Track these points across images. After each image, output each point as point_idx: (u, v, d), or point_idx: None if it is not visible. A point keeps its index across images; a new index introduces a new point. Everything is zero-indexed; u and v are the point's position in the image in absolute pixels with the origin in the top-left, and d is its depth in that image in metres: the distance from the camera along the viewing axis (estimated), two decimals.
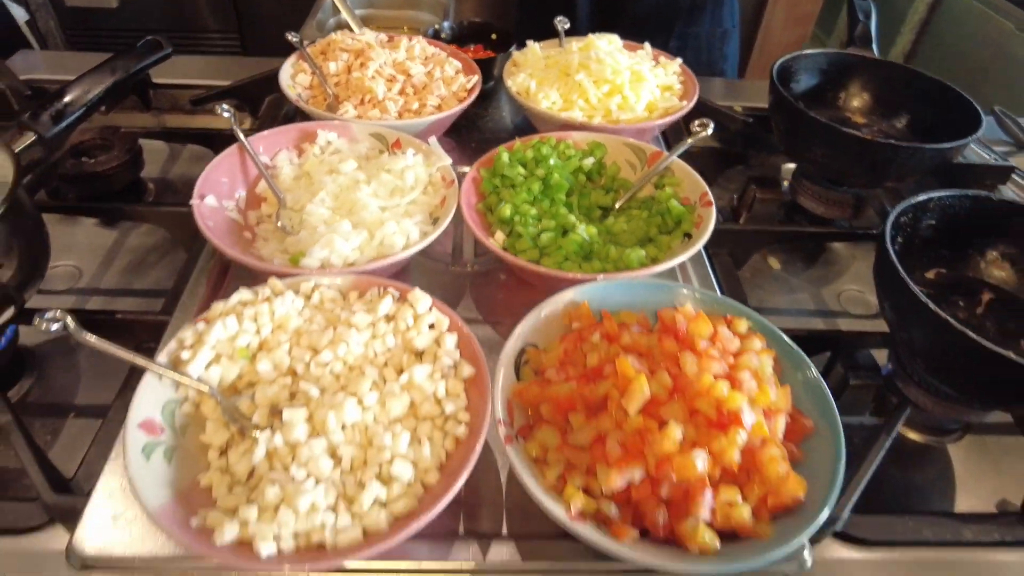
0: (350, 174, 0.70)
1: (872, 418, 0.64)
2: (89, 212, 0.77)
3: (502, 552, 0.48)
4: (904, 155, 0.73)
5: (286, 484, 0.43)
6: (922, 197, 0.62)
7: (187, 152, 0.91)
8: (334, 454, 0.45)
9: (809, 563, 0.48)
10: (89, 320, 0.56)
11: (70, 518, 0.48)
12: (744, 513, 0.43)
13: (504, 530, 0.49)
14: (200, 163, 0.71)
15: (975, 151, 0.96)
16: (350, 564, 0.44)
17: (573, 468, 0.46)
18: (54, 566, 0.46)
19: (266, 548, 0.40)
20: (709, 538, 0.42)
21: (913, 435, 0.63)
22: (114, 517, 0.47)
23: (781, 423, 0.48)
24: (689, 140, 0.70)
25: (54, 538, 0.48)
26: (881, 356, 0.66)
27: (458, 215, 0.65)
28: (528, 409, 0.50)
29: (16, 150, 0.60)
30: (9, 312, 0.54)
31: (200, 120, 0.93)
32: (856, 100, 0.93)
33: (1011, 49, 1.64)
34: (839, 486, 0.44)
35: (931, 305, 0.49)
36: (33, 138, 0.65)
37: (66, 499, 0.49)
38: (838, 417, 0.48)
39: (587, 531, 0.42)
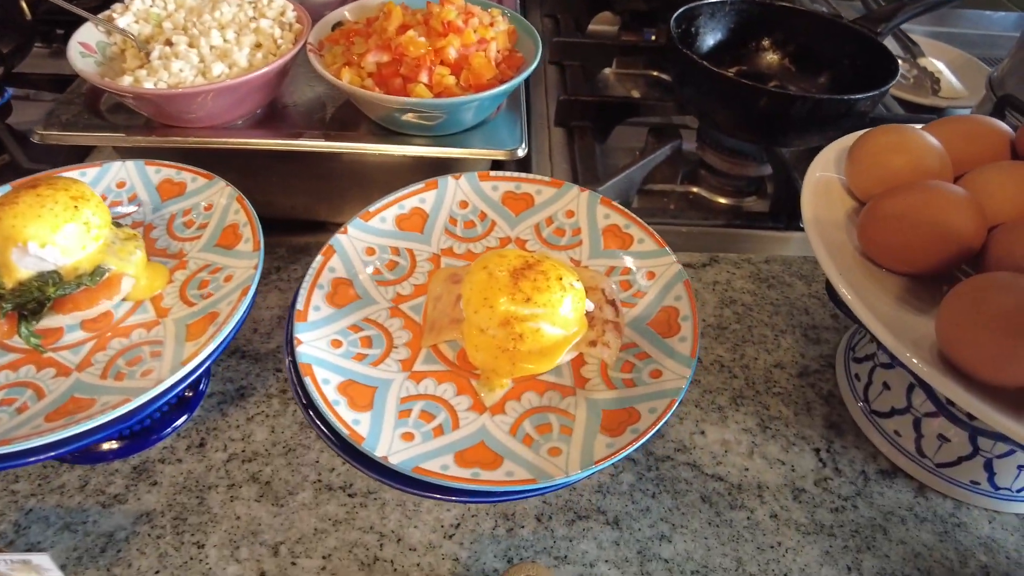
0: None
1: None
2: None
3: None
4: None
5: (168, 58, 0.69)
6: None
7: None
8: (203, 60, 0.72)
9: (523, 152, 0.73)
10: None
11: None
12: (450, 81, 0.68)
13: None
14: None
15: None
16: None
17: (350, 57, 0.71)
18: None
19: (148, 84, 0.67)
20: None
21: (721, 199, 0.94)
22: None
23: (494, 45, 0.73)
24: None
25: None
26: None
27: None
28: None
29: None
30: None
31: None
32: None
33: None
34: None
35: (705, 63, 0.76)
36: None
37: None
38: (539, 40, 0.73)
39: None
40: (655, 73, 1.25)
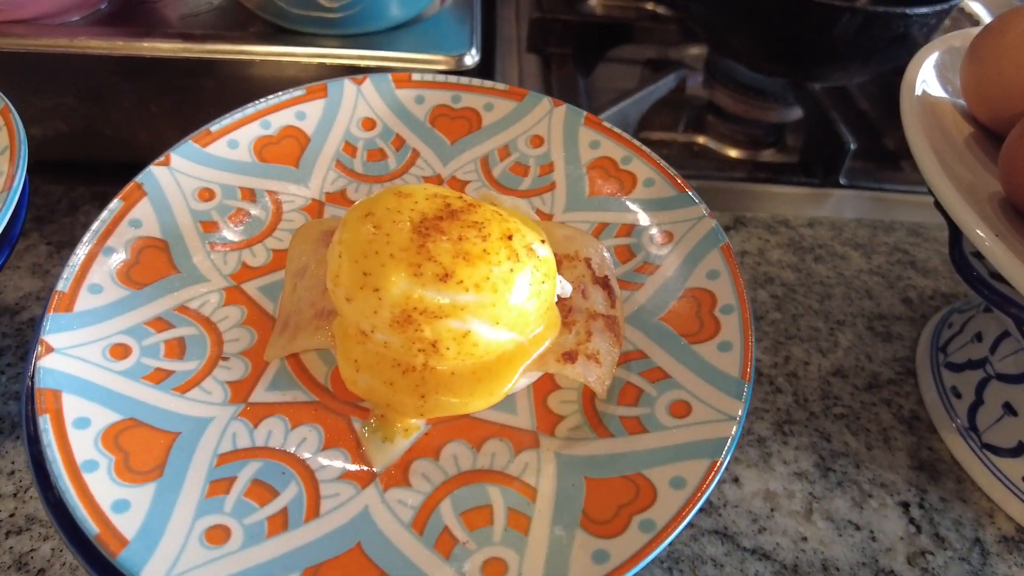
0: None
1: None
2: None
3: None
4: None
5: None
6: None
7: None
8: None
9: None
10: None
11: None
12: None
13: None
14: None
15: None
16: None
17: None
18: None
19: None
20: None
21: (733, 151, 0.71)
22: None
23: None
24: None
25: None
26: None
27: None
28: None
29: None
30: None
31: None
32: None
33: None
34: None
35: None
36: None
37: None
38: None
39: None
40: (650, 6, 1.01)
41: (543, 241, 0.27)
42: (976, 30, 0.41)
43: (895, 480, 0.42)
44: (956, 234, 0.35)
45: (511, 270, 0.25)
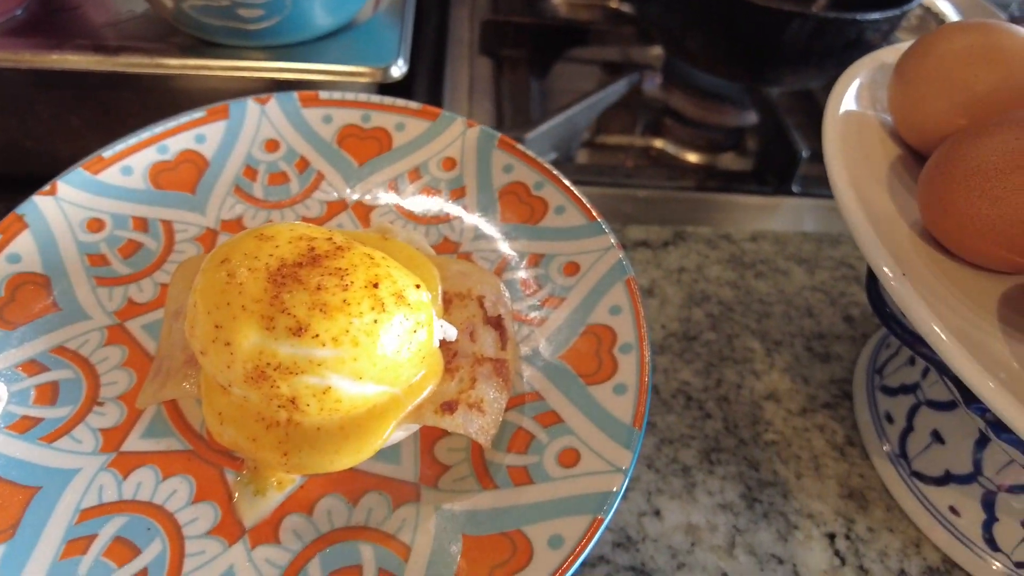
0: None
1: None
2: None
3: None
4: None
5: None
6: None
7: None
8: None
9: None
10: None
11: None
12: None
13: None
14: None
15: None
16: None
17: None
18: None
19: None
20: None
21: (691, 156, 0.70)
22: None
23: None
24: None
25: None
26: None
27: None
28: None
29: None
30: None
31: None
32: None
33: None
34: None
35: None
36: None
37: None
38: None
39: None
40: (614, 4, 0.99)
41: (418, 286, 0.25)
42: (904, 46, 0.40)
43: (823, 510, 0.41)
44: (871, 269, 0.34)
45: (375, 321, 0.23)
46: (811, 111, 0.80)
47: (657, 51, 0.83)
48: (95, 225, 0.34)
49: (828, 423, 0.45)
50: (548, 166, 0.36)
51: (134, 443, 0.28)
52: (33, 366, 0.30)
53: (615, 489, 0.25)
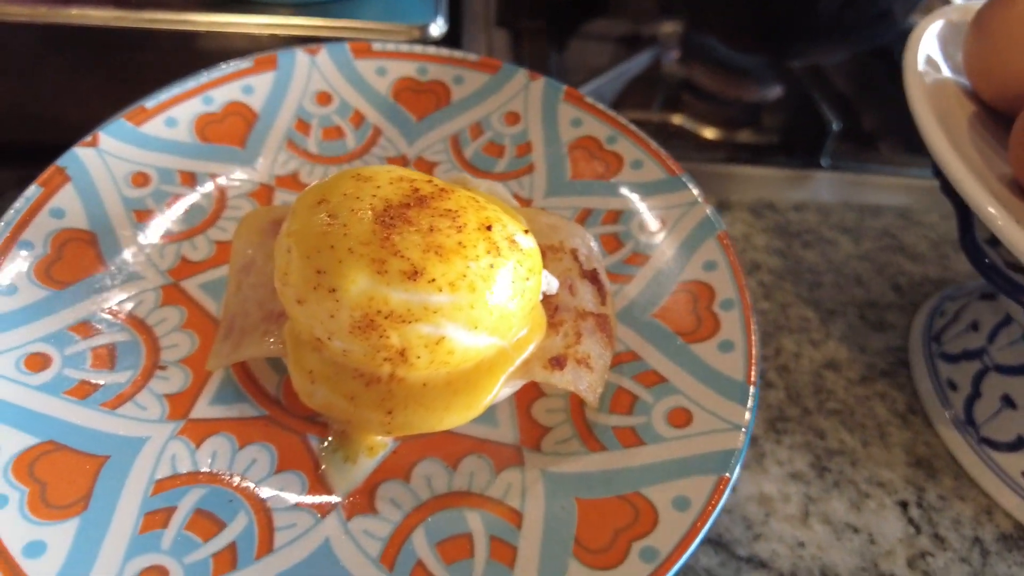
0: None
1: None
2: None
3: None
4: None
5: None
6: None
7: None
8: None
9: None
10: None
11: None
12: None
13: None
14: None
15: None
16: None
17: None
18: None
19: None
20: None
21: (710, 132, 0.67)
22: None
23: None
24: None
25: None
26: None
27: None
28: None
29: None
30: None
31: None
32: None
33: None
34: None
35: None
36: None
37: None
38: None
39: None
40: None
41: (526, 231, 0.23)
42: (978, 2, 0.38)
43: (892, 478, 0.40)
44: (966, 220, 0.33)
45: (491, 266, 0.21)
46: (829, 86, 0.79)
47: (673, 26, 0.82)
48: (140, 179, 0.31)
49: (888, 391, 0.44)
50: (622, 120, 0.34)
51: (203, 409, 0.26)
52: (86, 328, 0.27)
53: (738, 446, 0.24)
